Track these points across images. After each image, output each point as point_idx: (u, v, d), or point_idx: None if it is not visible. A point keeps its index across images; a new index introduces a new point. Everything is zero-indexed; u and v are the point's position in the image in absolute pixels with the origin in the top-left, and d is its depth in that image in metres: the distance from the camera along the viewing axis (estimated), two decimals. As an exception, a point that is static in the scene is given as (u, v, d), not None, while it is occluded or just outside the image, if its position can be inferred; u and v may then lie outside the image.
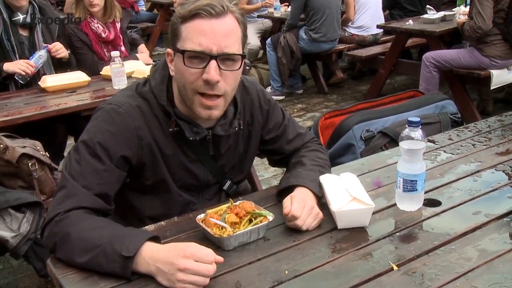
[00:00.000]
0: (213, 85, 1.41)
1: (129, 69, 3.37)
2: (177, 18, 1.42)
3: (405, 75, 6.18)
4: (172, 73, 1.49)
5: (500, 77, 4.40)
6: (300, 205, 1.45)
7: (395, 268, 1.30)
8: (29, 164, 2.44)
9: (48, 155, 2.59)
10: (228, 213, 1.47)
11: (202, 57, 1.39)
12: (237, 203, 1.54)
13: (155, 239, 1.31)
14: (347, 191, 1.51)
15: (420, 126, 1.52)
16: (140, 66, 3.54)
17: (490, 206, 1.56)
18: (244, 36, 1.48)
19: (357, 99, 5.66)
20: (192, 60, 1.40)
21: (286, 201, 1.49)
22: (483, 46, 4.27)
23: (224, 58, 1.41)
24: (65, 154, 3.66)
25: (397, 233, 1.46)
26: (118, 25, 3.80)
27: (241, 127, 1.61)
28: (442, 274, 1.26)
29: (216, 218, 1.46)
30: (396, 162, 1.89)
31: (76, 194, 1.37)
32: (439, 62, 4.51)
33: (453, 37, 5.32)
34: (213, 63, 1.39)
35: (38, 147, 2.53)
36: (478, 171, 1.79)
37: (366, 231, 1.47)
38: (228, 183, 1.71)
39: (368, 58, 5.39)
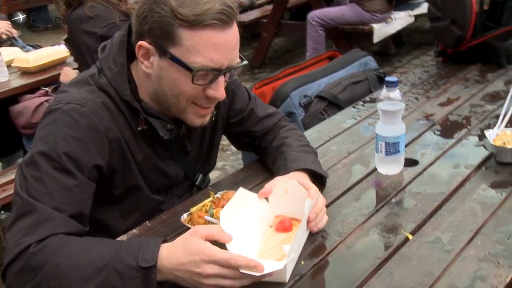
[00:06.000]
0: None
1: (7, 57, 2.93)
2: (173, 17, 1.16)
3: (288, 37, 6.22)
4: (147, 70, 1.25)
5: (381, 30, 4.60)
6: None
7: (410, 237, 1.25)
8: None
9: None
10: (214, 208, 1.31)
11: (211, 72, 1.22)
12: (219, 195, 1.38)
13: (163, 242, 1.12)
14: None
15: (398, 86, 1.46)
16: (19, 53, 3.09)
17: (465, 158, 1.57)
18: None
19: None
20: (199, 77, 1.21)
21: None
22: (364, 1, 4.42)
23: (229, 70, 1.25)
24: None
25: (393, 200, 1.40)
26: None
27: (215, 114, 1.43)
28: (458, 235, 1.23)
29: (203, 216, 1.29)
30: (352, 126, 1.87)
31: (49, 219, 1.11)
32: (323, 21, 4.58)
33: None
34: (222, 79, 1.23)
35: None
36: (434, 124, 1.80)
37: (359, 204, 1.39)
38: (200, 177, 1.53)
39: (250, 23, 5.30)
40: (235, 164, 3.60)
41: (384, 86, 1.47)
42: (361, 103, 2.06)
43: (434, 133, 1.74)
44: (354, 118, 1.93)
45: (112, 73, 1.27)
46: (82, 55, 2.43)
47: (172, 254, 1.07)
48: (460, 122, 1.80)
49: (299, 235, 1.15)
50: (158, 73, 1.24)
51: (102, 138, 1.23)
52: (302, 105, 2.19)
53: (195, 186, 1.53)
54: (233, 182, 1.55)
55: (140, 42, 1.21)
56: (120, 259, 1.06)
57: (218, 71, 1.21)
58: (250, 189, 1.47)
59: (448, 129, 1.76)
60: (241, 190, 1.25)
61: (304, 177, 1.35)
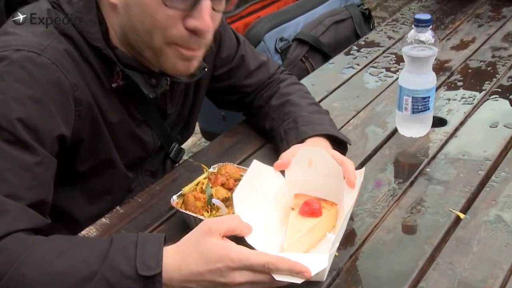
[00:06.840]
0: (201, 36, 0.92)
1: None
2: None
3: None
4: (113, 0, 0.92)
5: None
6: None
7: (462, 216, 1.00)
8: None
9: None
10: (212, 187, 1.00)
11: None
12: (214, 169, 1.07)
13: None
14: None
15: (431, 26, 1.18)
16: None
17: (501, 114, 1.30)
18: None
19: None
20: None
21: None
22: None
23: None
24: None
25: (427, 169, 1.13)
26: None
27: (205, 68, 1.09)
28: (523, 214, 0.99)
29: (202, 198, 0.98)
30: (352, 77, 1.57)
31: (2, 211, 0.81)
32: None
33: None
34: (207, 4, 0.89)
35: None
36: (452, 73, 1.54)
37: (387, 175, 1.12)
38: (176, 147, 1.22)
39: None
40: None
41: (413, 25, 1.18)
42: (355, 47, 1.75)
43: (456, 84, 1.47)
44: (352, 67, 1.62)
45: (75, 8, 0.93)
46: None
47: (182, 262, 0.78)
48: (484, 70, 1.53)
49: (345, 222, 0.87)
50: (123, 2, 0.91)
51: (67, 99, 0.91)
52: (279, 50, 1.85)
53: (168, 159, 1.22)
54: (218, 152, 1.24)
55: None
56: (111, 265, 0.77)
57: None
58: (244, 161, 1.18)
59: (472, 79, 1.49)
60: (256, 163, 0.95)
61: (327, 146, 1.06)
